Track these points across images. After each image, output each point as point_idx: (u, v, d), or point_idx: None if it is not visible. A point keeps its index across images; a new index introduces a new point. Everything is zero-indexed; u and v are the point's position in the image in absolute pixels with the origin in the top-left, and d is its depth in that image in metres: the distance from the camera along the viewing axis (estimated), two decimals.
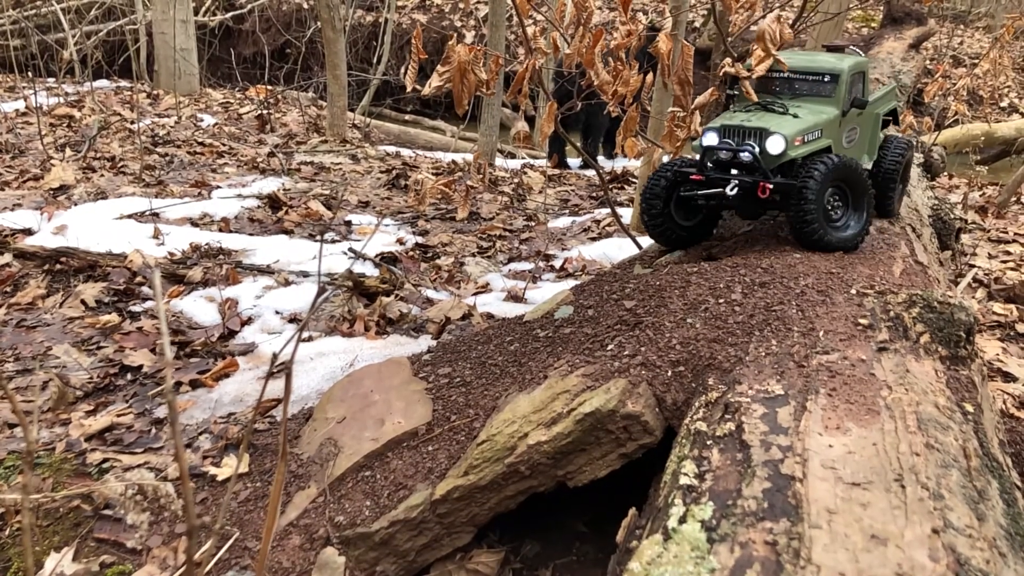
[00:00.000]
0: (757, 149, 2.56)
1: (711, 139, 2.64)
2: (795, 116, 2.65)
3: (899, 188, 3.06)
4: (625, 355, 2.21)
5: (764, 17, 2.85)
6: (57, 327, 3.51)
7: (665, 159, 3.31)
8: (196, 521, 2.15)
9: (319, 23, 9.48)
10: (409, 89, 3.36)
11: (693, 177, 2.67)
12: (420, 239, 5.00)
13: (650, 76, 3.44)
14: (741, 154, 2.56)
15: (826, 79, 2.76)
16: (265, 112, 9.28)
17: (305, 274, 4.20)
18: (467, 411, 2.39)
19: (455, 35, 3.29)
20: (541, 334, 2.69)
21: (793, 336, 2.06)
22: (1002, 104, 11.75)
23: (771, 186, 2.53)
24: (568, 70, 3.51)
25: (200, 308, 3.78)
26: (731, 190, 2.57)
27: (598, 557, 2.31)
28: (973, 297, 4.18)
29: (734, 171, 2.61)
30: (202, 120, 8.93)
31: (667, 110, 3.41)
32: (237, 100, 10.64)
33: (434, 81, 3.18)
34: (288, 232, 5.03)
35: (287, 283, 4.08)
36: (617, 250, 4.67)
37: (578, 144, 6.33)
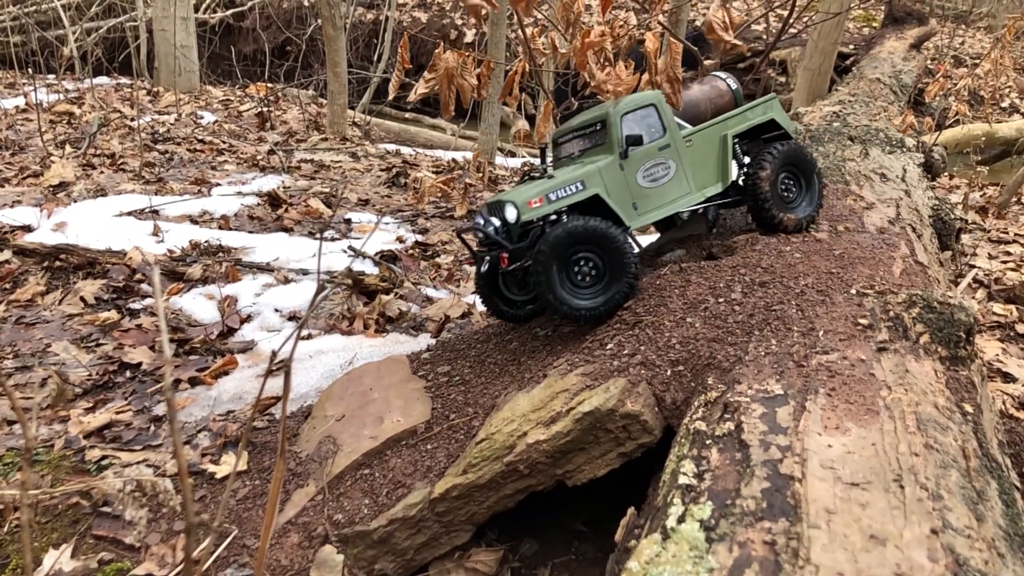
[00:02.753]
0: (499, 222, 2.53)
1: (478, 220, 2.63)
2: (549, 178, 2.58)
3: (775, 197, 2.76)
4: (624, 354, 2.21)
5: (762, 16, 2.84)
6: (56, 324, 3.51)
7: None
8: (195, 518, 2.15)
9: (320, 20, 9.47)
10: (391, 96, 3.41)
11: (467, 261, 2.65)
12: (420, 237, 5.00)
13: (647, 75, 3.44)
14: (487, 230, 2.56)
15: (598, 127, 2.69)
16: (265, 110, 9.28)
17: (305, 272, 4.20)
18: (466, 409, 2.39)
19: (441, 43, 3.32)
20: (540, 333, 2.69)
21: (793, 336, 2.06)
22: (1003, 104, 11.74)
23: (507, 255, 2.48)
24: (564, 70, 3.52)
25: (199, 305, 3.78)
26: (484, 267, 2.57)
27: (597, 556, 2.31)
28: (973, 297, 4.18)
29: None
30: (202, 117, 8.93)
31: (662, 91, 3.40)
32: (237, 97, 10.64)
33: (420, 88, 3.22)
34: (288, 230, 5.03)
35: (287, 281, 4.08)
36: None
37: None
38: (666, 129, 2.68)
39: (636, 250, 2.44)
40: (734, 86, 3.04)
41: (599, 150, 2.67)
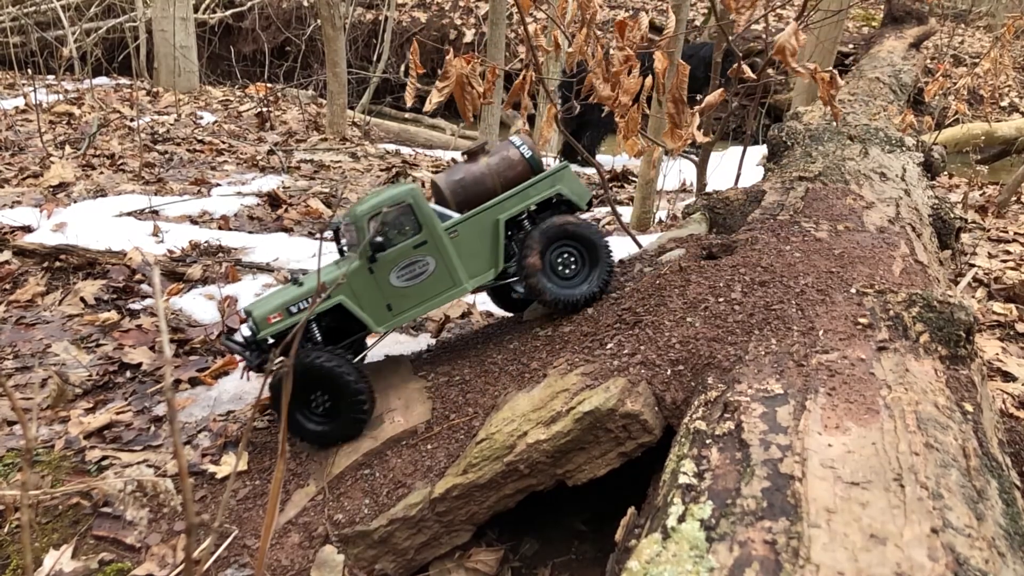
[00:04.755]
0: (248, 332, 2.48)
1: (244, 329, 2.56)
2: (300, 285, 2.52)
3: (546, 273, 2.61)
4: (624, 354, 2.21)
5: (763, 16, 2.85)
6: (56, 324, 3.51)
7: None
8: (195, 519, 2.15)
9: (319, 21, 9.47)
10: (409, 104, 3.39)
11: (247, 369, 2.59)
12: None
13: (649, 80, 3.44)
14: (235, 338, 2.50)
15: (354, 227, 2.54)
16: (265, 110, 9.28)
17: (304, 272, 4.20)
18: (466, 409, 2.39)
19: (451, 51, 3.32)
20: (540, 332, 2.69)
21: (793, 335, 2.06)
22: (1002, 103, 11.74)
23: (247, 365, 2.46)
24: (571, 69, 3.52)
25: (199, 306, 3.78)
26: (241, 377, 2.55)
27: (597, 556, 2.31)
28: (973, 296, 4.18)
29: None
30: (202, 118, 8.94)
31: (666, 110, 3.43)
32: (237, 98, 10.65)
33: (434, 97, 3.22)
34: (288, 230, 5.03)
35: (286, 281, 4.08)
36: (617, 249, 4.66)
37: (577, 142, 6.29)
38: (422, 226, 2.53)
39: (365, 386, 2.41)
40: (528, 154, 2.76)
41: (355, 250, 2.55)
